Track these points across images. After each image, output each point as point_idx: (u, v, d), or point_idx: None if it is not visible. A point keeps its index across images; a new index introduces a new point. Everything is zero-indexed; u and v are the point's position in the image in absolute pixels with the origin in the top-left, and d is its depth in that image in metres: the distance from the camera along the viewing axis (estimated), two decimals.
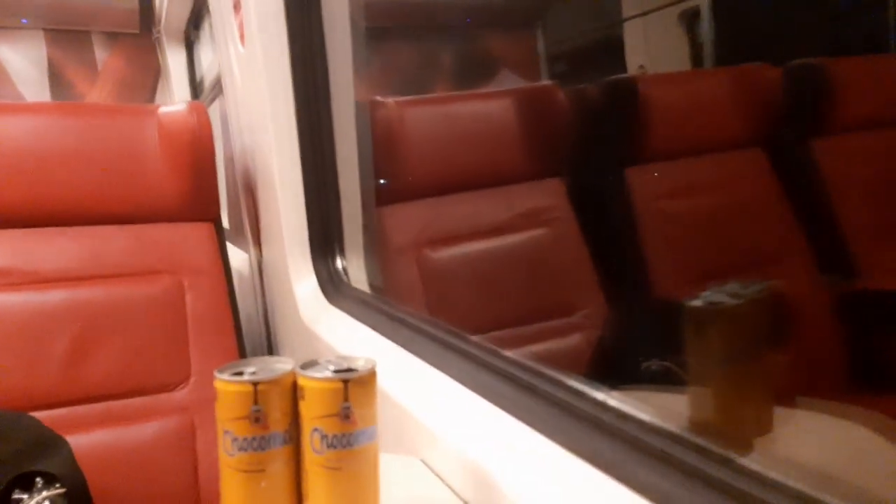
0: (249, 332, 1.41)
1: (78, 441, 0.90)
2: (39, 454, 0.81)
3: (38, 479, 0.78)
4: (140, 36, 3.45)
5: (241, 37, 1.30)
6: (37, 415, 0.91)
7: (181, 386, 1.09)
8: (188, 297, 1.14)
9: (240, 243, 1.62)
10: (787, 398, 0.64)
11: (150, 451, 1.04)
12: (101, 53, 3.67)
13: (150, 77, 3.62)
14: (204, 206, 1.23)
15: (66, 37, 3.60)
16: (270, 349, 1.40)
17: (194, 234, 1.20)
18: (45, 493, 0.77)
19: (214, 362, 1.06)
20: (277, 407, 0.50)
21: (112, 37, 3.67)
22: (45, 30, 3.55)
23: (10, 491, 0.76)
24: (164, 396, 1.08)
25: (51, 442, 0.84)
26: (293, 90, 1.20)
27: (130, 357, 1.08)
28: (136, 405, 1.06)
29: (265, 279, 1.41)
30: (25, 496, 0.77)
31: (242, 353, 1.18)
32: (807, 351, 1.01)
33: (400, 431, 0.73)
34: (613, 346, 1.16)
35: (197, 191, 1.21)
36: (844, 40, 1.21)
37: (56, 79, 3.61)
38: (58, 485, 0.78)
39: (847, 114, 1.31)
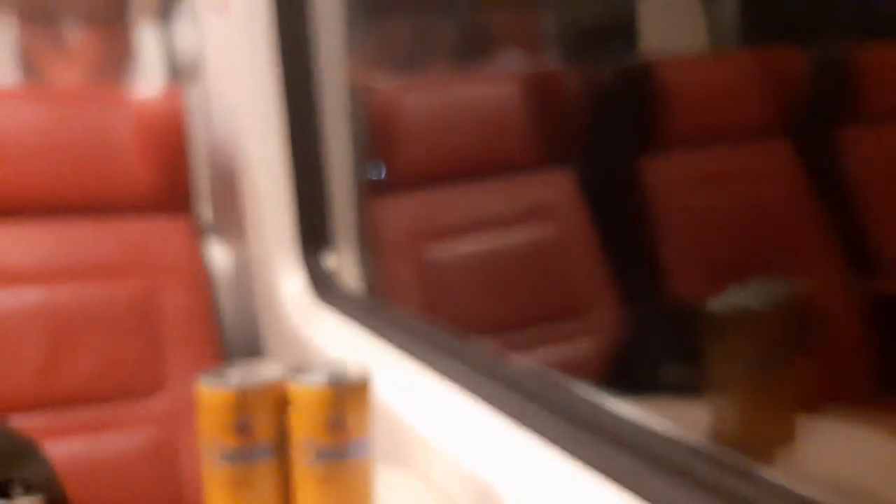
0: (232, 334, 1.41)
1: (52, 449, 0.90)
2: (15, 461, 0.81)
3: (15, 488, 0.78)
4: (114, 17, 3.43)
5: (223, 15, 1.30)
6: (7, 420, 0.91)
7: (158, 392, 1.09)
8: (165, 296, 1.14)
9: (222, 238, 1.61)
10: (814, 405, 0.64)
11: (128, 460, 1.03)
12: (73, 35, 3.65)
13: (124, 59, 3.61)
14: (182, 198, 1.23)
15: (38, 18, 3.58)
16: (255, 354, 1.40)
17: (171, 228, 1.20)
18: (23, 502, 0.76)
19: (194, 367, 1.06)
20: (265, 416, 0.50)
21: (85, 18, 3.65)
22: (15, 11, 3.54)
23: None
24: (140, 403, 1.07)
25: (27, 449, 0.84)
26: (279, 71, 1.19)
27: (104, 360, 1.07)
28: (111, 412, 1.06)
29: (250, 277, 1.41)
30: None
31: (225, 358, 1.18)
32: (834, 355, 1.01)
33: (395, 442, 0.73)
34: (628, 351, 1.16)
35: (174, 181, 1.21)
36: (877, 23, 1.21)
37: (27, 62, 3.59)
38: (36, 493, 0.78)
39: (879, 103, 1.31)
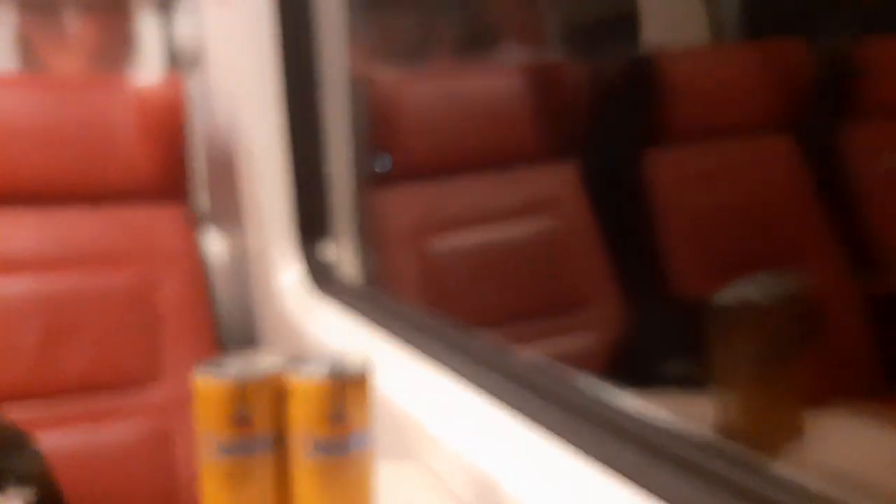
0: (229, 324, 1.40)
1: (47, 439, 0.89)
2: (8, 453, 0.80)
3: (7, 480, 0.77)
4: (114, 4, 3.41)
5: (224, 5, 1.29)
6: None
7: (154, 383, 1.08)
8: (161, 285, 1.13)
9: (220, 228, 1.61)
10: (819, 400, 0.64)
11: (123, 451, 1.03)
12: (73, 22, 3.63)
13: (124, 47, 3.59)
14: (180, 187, 1.22)
15: (36, 4, 3.56)
16: (251, 344, 1.39)
17: (169, 217, 1.19)
18: (15, 495, 0.76)
19: (190, 357, 1.05)
20: (263, 408, 0.49)
21: (85, 5, 3.64)
22: None
23: None
24: (135, 393, 1.07)
25: (19, 440, 0.83)
26: (280, 60, 1.18)
27: (99, 350, 1.07)
28: (106, 402, 1.05)
29: (247, 267, 1.40)
30: None
31: (221, 349, 1.17)
32: (838, 350, 1.01)
33: (396, 435, 0.73)
34: (632, 345, 1.16)
35: (172, 170, 1.20)
36: (882, 17, 1.20)
37: (25, 49, 3.57)
38: (28, 485, 0.77)
39: (883, 97, 1.30)
